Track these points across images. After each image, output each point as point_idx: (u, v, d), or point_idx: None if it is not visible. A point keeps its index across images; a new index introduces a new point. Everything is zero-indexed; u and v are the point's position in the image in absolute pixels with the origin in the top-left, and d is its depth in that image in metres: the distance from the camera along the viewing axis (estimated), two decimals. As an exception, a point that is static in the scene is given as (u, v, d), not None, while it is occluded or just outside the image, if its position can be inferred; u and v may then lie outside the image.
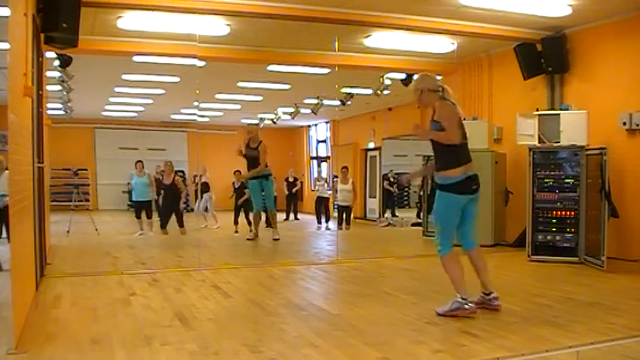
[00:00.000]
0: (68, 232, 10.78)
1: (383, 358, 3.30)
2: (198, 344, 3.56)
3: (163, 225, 10.69)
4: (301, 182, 15.21)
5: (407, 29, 7.56)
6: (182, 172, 14.60)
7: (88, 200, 13.51)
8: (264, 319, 4.28)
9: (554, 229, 7.08)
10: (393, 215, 14.11)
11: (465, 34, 7.87)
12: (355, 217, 14.60)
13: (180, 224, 10.73)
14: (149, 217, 10.95)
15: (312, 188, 13.84)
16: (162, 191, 10.75)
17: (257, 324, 4.12)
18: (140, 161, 11.15)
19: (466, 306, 4.21)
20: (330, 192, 13.19)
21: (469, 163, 4.28)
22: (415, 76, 9.86)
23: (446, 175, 4.25)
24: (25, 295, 4.25)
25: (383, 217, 14.02)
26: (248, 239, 9.02)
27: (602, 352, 3.53)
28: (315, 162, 16.79)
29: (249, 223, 11.53)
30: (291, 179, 14.46)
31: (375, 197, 14.77)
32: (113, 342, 3.62)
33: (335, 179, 12.64)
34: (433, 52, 8.83)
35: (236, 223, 11.78)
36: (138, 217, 10.96)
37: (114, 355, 3.38)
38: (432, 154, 4.40)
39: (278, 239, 8.99)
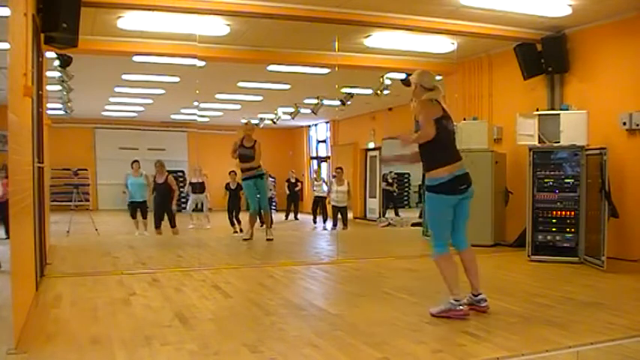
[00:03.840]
0: (68, 232, 10.78)
1: (383, 358, 3.30)
2: (198, 344, 3.56)
3: (157, 225, 10.66)
4: (301, 182, 15.24)
5: (407, 29, 7.57)
6: (182, 172, 14.63)
7: (88, 200, 13.51)
8: (264, 319, 4.28)
9: (554, 229, 7.08)
10: (397, 214, 14.12)
11: (465, 34, 7.87)
12: (355, 217, 14.62)
13: (172, 224, 10.70)
14: (144, 217, 10.89)
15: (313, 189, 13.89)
16: (154, 191, 10.69)
17: (257, 324, 4.12)
18: (136, 161, 11.08)
19: (459, 307, 4.19)
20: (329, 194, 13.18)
21: (457, 162, 4.23)
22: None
23: (433, 176, 4.21)
24: (25, 295, 4.25)
25: (383, 217, 14.03)
26: (244, 239, 8.99)
27: (602, 352, 3.53)
28: (315, 162, 16.80)
29: (238, 223, 11.57)
30: (292, 180, 14.49)
31: (375, 197, 14.78)
32: (113, 342, 3.62)
33: (333, 179, 12.64)
34: (433, 52, 8.84)
35: (232, 224, 11.80)
36: (133, 217, 10.91)
37: (114, 355, 3.38)
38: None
39: (272, 239, 8.93)
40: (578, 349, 3.47)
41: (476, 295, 4.34)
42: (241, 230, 11.27)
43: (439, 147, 4.20)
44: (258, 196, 8.82)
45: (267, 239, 8.95)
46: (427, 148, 4.22)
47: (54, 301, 4.88)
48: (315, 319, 4.30)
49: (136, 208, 10.85)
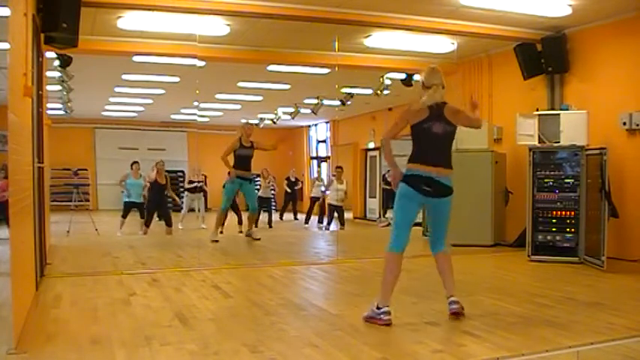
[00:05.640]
0: (68, 232, 10.77)
1: (383, 358, 3.30)
2: (198, 344, 3.56)
3: (148, 223, 10.61)
4: (302, 182, 15.24)
5: (407, 29, 7.57)
6: (182, 172, 14.64)
7: (88, 200, 13.51)
8: (264, 319, 4.28)
9: (554, 229, 7.08)
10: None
11: (465, 34, 7.87)
12: (355, 217, 14.62)
13: (169, 224, 10.70)
14: (142, 217, 10.87)
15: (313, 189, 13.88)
16: (153, 190, 10.66)
17: (257, 324, 4.12)
18: (136, 162, 11.07)
19: (382, 316, 4.00)
20: (327, 192, 13.17)
21: (436, 167, 4.15)
22: (415, 76, 9.90)
23: (407, 167, 4.26)
24: (25, 295, 4.25)
25: (383, 217, 14.02)
26: (213, 241, 8.69)
27: (602, 352, 3.53)
28: (315, 162, 16.81)
29: (239, 224, 11.54)
30: (292, 179, 14.47)
31: (375, 197, 14.77)
32: (113, 342, 3.62)
33: (333, 177, 12.64)
34: (433, 52, 8.83)
35: (240, 223, 11.76)
36: (124, 216, 10.88)
37: (114, 355, 3.38)
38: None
39: (259, 239, 8.90)
40: (578, 349, 3.47)
41: (447, 297, 4.23)
42: (241, 231, 11.27)
43: (418, 147, 4.26)
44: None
45: (255, 239, 8.91)
46: (412, 144, 4.30)
47: (54, 301, 4.88)
48: (315, 319, 4.30)
49: (131, 208, 10.83)
